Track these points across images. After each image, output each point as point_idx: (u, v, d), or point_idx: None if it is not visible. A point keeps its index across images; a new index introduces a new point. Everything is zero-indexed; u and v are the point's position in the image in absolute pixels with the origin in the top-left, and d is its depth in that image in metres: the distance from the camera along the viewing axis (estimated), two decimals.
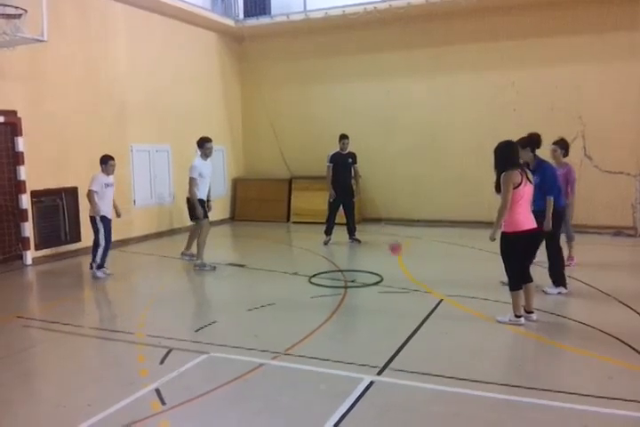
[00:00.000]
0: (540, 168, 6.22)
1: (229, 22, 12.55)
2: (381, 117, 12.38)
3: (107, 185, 7.79)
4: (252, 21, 12.63)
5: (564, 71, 10.85)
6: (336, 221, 10.10)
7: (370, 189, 12.67)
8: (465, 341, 5.09)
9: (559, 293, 6.38)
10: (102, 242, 7.71)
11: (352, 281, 7.22)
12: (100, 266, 7.76)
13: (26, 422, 3.71)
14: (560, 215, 6.41)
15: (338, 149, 10.03)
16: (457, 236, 10.57)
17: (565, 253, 7.37)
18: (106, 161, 7.81)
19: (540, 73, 11.03)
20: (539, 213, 5.83)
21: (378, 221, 12.52)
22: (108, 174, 7.82)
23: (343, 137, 10.05)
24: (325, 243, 9.91)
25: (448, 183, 11.91)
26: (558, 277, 6.43)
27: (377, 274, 7.42)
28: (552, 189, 6.21)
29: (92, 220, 7.77)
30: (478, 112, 11.53)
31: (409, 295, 6.54)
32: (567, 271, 6.64)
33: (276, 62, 13.24)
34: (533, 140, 6.26)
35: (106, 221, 7.78)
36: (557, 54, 10.85)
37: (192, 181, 8.01)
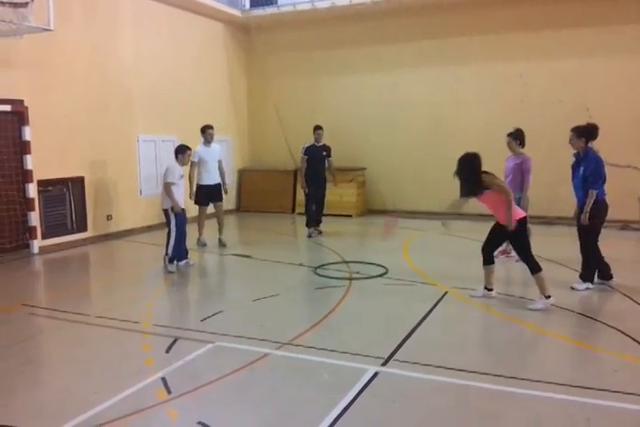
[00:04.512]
0: (586, 159, 6.20)
1: (236, 12, 12.49)
2: (388, 109, 12.33)
3: (182, 176, 7.50)
4: (259, 11, 12.57)
5: (571, 63, 10.78)
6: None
7: (376, 180, 12.67)
8: (469, 333, 5.10)
9: (587, 288, 6.27)
10: (174, 233, 7.39)
11: (357, 273, 7.23)
12: (172, 259, 7.43)
13: (32, 409, 3.74)
14: (600, 209, 6.21)
15: (312, 142, 9.92)
16: (462, 228, 10.54)
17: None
18: (184, 150, 7.52)
19: (548, 65, 10.96)
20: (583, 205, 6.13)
21: (384, 213, 12.51)
22: (182, 164, 7.55)
23: (317, 128, 9.93)
24: (310, 235, 9.84)
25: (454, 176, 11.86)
26: (589, 273, 6.33)
27: (382, 266, 7.43)
28: (595, 182, 6.10)
29: (165, 211, 7.46)
30: (485, 104, 11.47)
31: (413, 287, 6.55)
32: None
33: (283, 53, 13.19)
34: (588, 131, 6.23)
35: (179, 212, 7.44)
36: (565, 47, 10.77)
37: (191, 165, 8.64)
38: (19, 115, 8.38)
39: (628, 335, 4.85)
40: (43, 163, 8.69)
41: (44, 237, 8.87)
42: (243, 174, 13.65)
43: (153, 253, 8.28)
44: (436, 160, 12.00)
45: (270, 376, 4.15)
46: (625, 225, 10.25)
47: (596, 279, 6.38)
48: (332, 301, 6.07)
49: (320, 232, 10.01)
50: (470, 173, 5.63)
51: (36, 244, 8.69)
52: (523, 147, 7.69)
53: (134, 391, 3.89)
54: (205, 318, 5.49)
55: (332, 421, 3.44)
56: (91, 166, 9.55)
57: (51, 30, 7.64)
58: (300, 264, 7.78)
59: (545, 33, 10.87)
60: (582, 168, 6.16)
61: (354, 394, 3.78)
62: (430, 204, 12.08)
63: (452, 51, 11.62)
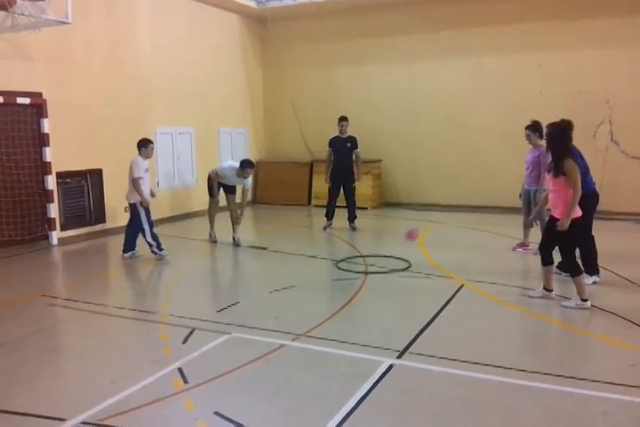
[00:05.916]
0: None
1: (252, 4, 12.45)
2: (405, 100, 12.26)
3: (147, 170, 7.61)
4: (275, 3, 12.52)
5: (591, 54, 10.61)
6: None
7: (392, 173, 12.63)
8: (486, 326, 5.08)
9: (594, 282, 6.20)
10: (146, 226, 7.62)
11: (373, 265, 7.22)
12: (159, 246, 7.71)
13: (50, 398, 3.79)
14: (588, 201, 6.09)
15: (337, 133, 9.77)
16: (478, 221, 10.50)
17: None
18: (146, 144, 7.59)
19: (568, 56, 10.80)
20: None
21: (399, 205, 12.47)
22: (146, 158, 7.64)
23: (342, 119, 9.76)
24: (325, 228, 9.79)
25: (471, 168, 11.80)
26: (591, 266, 6.24)
27: (399, 258, 7.41)
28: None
29: (133, 206, 7.63)
30: (503, 95, 11.34)
31: (430, 280, 6.53)
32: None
33: (299, 44, 13.14)
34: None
35: (148, 206, 7.66)
36: (585, 37, 10.60)
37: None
38: (37, 107, 8.46)
39: None
40: (61, 155, 8.78)
41: (63, 228, 8.99)
42: (259, 166, 13.62)
43: (169, 245, 8.31)
44: (454, 152, 11.94)
45: (286, 367, 4.18)
46: None
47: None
48: (348, 293, 6.07)
49: (354, 229, 9.70)
50: (557, 143, 5.29)
51: (55, 235, 8.80)
52: (542, 139, 7.59)
53: (152, 381, 3.94)
54: (222, 310, 5.53)
55: (347, 412, 3.46)
56: (109, 159, 9.62)
57: (69, 23, 7.68)
58: (315, 256, 7.79)
59: (564, 23, 10.70)
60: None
61: (369, 386, 3.79)
62: (447, 196, 12.04)
63: (470, 41, 11.49)
